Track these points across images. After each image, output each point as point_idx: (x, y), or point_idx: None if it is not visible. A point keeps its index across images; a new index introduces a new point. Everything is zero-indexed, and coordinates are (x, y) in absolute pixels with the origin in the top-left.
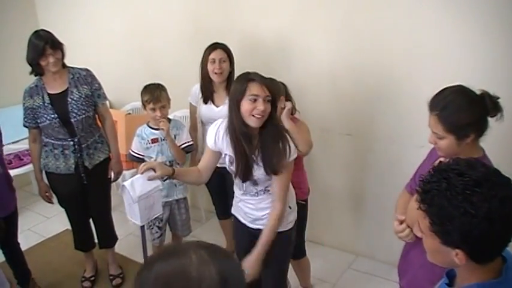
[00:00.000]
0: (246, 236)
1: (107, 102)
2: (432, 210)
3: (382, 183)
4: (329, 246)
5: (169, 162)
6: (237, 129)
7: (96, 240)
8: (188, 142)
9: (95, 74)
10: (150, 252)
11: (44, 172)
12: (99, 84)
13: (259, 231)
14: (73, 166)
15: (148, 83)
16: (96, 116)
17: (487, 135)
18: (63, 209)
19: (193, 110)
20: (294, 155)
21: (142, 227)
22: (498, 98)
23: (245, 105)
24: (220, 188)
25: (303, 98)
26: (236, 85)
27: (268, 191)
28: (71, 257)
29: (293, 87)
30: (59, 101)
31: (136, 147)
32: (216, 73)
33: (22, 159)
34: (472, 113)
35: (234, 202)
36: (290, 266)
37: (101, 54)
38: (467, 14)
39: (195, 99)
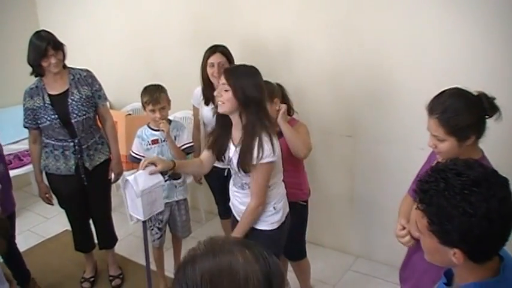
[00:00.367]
0: None
1: (107, 103)
2: (430, 210)
3: (382, 184)
4: (329, 248)
5: None
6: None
7: (96, 241)
8: (188, 143)
9: (95, 75)
10: (150, 252)
11: (44, 173)
12: (99, 85)
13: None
14: (73, 167)
15: (148, 84)
16: (97, 117)
17: (486, 136)
18: (63, 210)
19: (196, 112)
20: (265, 158)
21: (144, 224)
22: (494, 98)
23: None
24: (222, 188)
25: (303, 99)
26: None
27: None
28: (70, 258)
29: (294, 88)
30: (59, 102)
31: (136, 148)
32: (215, 76)
33: (22, 160)
34: (472, 114)
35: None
36: (290, 267)
37: (102, 55)
38: (468, 15)
39: (197, 101)
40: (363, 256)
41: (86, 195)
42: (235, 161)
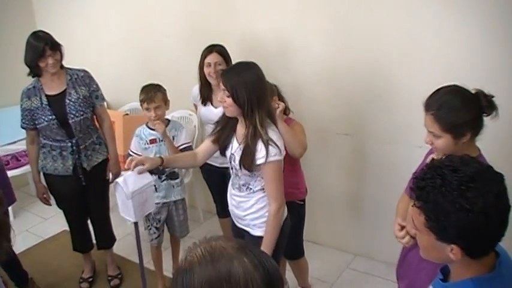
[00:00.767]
0: (235, 234)
1: (105, 103)
2: (427, 207)
3: (380, 182)
4: (327, 246)
5: None
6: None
7: (94, 241)
8: (186, 143)
9: (93, 75)
10: (146, 252)
11: (41, 173)
12: (97, 85)
13: (243, 231)
14: (71, 167)
15: (146, 83)
16: (94, 117)
17: (483, 134)
18: (61, 210)
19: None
20: (274, 157)
21: (136, 225)
22: (493, 96)
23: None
24: (220, 186)
25: (301, 98)
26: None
27: (251, 189)
28: (68, 258)
29: (291, 87)
30: (56, 102)
31: (135, 147)
32: (211, 76)
33: (19, 160)
34: (468, 111)
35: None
36: (288, 266)
37: (99, 55)
38: (467, 14)
39: (195, 99)
40: (361, 254)
41: (83, 196)
42: (237, 157)
